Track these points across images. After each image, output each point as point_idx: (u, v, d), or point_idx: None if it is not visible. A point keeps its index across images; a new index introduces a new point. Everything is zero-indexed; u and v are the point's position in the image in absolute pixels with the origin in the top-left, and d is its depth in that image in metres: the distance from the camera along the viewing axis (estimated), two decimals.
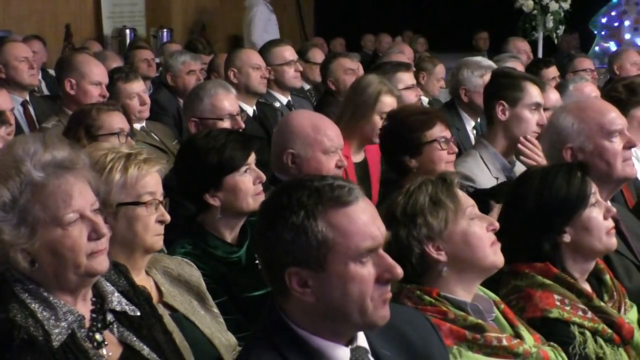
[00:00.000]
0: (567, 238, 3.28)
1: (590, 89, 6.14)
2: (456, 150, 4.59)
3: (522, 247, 3.28)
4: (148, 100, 6.31)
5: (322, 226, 2.28)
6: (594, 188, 3.33)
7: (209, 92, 5.16)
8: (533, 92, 4.88)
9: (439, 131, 4.45)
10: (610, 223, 3.34)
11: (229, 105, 5.14)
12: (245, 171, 3.71)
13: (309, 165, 4.20)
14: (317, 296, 2.30)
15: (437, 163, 4.41)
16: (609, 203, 3.51)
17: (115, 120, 4.63)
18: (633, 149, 4.03)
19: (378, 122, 5.24)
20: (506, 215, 3.40)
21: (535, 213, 3.28)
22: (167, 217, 3.13)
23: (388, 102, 5.35)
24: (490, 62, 6.91)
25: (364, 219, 2.32)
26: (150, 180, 3.07)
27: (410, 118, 4.51)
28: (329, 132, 4.27)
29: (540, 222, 3.28)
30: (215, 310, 3.30)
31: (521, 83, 4.89)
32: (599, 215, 3.31)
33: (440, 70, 8.52)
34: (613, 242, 3.36)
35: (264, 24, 13.27)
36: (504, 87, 4.90)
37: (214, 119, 5.07)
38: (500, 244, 3.03)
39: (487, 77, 6.30)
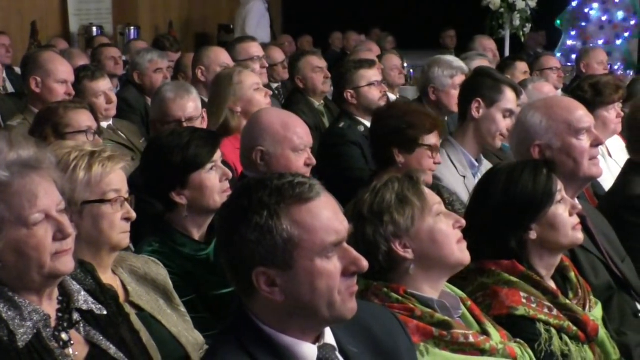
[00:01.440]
0: (533, 235, 3.30)
1: (549, 89, 6.17)
2: (440, 161, 4.62)
3: (489, 244, 3.30)
4: (114, 99, 6.29)
5: (286, 224, 2.28)
6: (559, 185, 3.35)
7: (166, 96, 5.13)
8: (510, 98, 4.93)
9: (435, 139, 4.51)
10: (575, 219, 3.36)
11: (188, 108, 5.08)
12: (211, 168, 3.69)
13: (278, 162, 4.19)
14: (286, 294, 2.30)
15: (423, 167, 4.44)
16: (576, 200, 3.53)
17: (83, 119, 4.60)
18: (600, 147, 4.06)
19: (254, 95, 5.43)
20: (472, 211, 3.42)
21: (501, 210, 3.30)
22: (133, 215, 3.11)
23: (247, 78, 5.54)
24: (461, 64, 6.92)
25: (327, 214, 2.32)
26: (115, 177, 3.05)
27: (415, 115, 4.55)
28: (299, 130, 4.27)
29: (506, 220, 3.29)
30: (182, 309, 3.29)
31: (501, 86, 4.94)
32: (564, 212, 3.33)
33: (391, 59, 8.48)
34: (579, 236, 3.38)
35: (257, 21, 13.28)
36: (484, 86, 4.94)
37: (170, 122, 5.02)
38: (467, 241, 3.04)
39: (458, 79, 6.36)
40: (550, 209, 3.31)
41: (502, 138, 4.93)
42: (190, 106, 5.12)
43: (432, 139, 4.50)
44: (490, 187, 3.38)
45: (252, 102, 5.43)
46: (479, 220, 3.32)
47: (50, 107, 4.72)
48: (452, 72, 6.55)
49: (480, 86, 4.96)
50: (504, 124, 4.89)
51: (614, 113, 5.65)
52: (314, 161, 4.28)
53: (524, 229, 3.30)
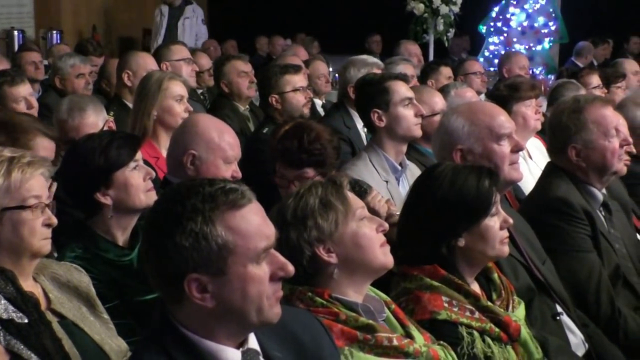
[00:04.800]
0: (461, 242, 3.32)
1: (471, 94, 6.27)
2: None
3: (418, 247, 3.32)
4: (35, 104, 6.20)
5: (221, 230, 2.28)
6: (497, 197, 3.38)
7: (59, 116, 5.08)
8: (399, 89, 5.01)
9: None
10: (505, 233, 3.40)
11: (84, 127, 4.99)
12: (135, 167, 3.68)
13: (207, 169, 4.17)
14: (217, 300, 2.30)
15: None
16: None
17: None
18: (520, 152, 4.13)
19: (174, 106, 5.38)
20: (408, 210, 3.43)
21: (438, 212, 3.32)
22: (54, 220, 3.07)
23: (174, 87, 5.50)
24: (375, 60, 7.05)
25: (258, 220, 2.35)
26: (35, 183, 3.01)
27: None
28: (232, 141, 4.27)
29: (440, 223, 3.31)
30: (105, 316, 3.25)
31: (384, 85, 5.01)
32: (496, 224, 3.36)
33: (318, 67, 8.50)
34: (505, 250, 3.42)
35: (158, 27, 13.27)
36: (370, 95, 5.02)
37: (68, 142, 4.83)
38: (393, 246, 3.06)
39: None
40: (484, 220, 3.34)
41: (418, 124, 4.99)
42: (87, 124, 5.05)
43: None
44: (431, 187, 3.39)
45: (171, 112, 5.41)
46: (412, 222, 3.35)
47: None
48: (368, 68, 6.72)
49: (367, 97, 5.05)
50: (410, 112, 4.97)
51: (532, 109, 5.79)
52: (239, 175, 4.27)
53: (456, 235, 3.32)
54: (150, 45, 13.43)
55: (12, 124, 4.43)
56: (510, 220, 3.43)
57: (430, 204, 3.35)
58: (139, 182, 3.67)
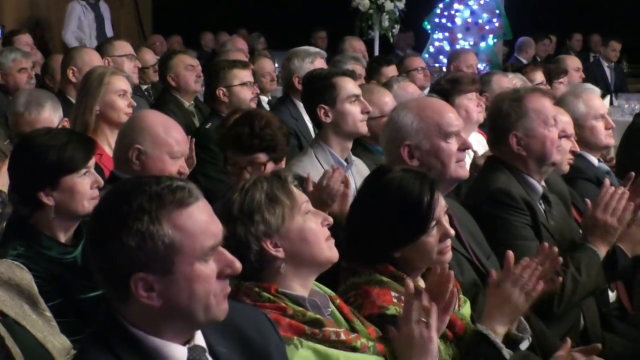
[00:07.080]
0: (397, 254, 3.31)
1: (413, 88, 6.32)
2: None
3: (359, 254, 3.31)
4: None
5: (167, 229, 2.26)
6: (437, 212, 3.31)
7: (16, 110, 5.07)
8: (346, 86, 5.03)
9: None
10: (445, 243, 3.35)
11: (40, 123, 4.96)
12: (85, 174, 3.64)
13: (154, 164, 4.17)
14: (164, 299, 2.28)
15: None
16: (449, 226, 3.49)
17: None
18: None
19: (116, 100, 5.39)
20: (351, 217, 3.42)
21: (374, 229, 3.30)
22: None
23: (116, 82, 5.48)
24: (317, 49, 7.13)
25: (205, 218, 2.33)
26: None
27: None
28: (179, 137, 4.27)
29: (376, 239, 3.29)
30: (48, 313, 3.22)
31: (331, 80, 5.03)
32: (434, 239, 3.31)
33: (264, 65, 8.47)
34: (446, 259, 3.37)
35: (75, 23, 12.94)
36: (317, 90, 5.03)
37: None
38: (340, 239, 3.06)
39: (317, 63, 6.57)
40: (420, 238, 3.31)
41: (364, 120, 5.01)
42: (42, 120, 5.01)
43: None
44: (373, 199, 3.36)
45: (113, 107, 5.40)
46: (356, 226, 3.35)
47: None
48: (311, 58, 6.79)
49: (314, 92, 5.06)
50: (357, 109, 4.99)
51: (473, 102, 5.88)
52: (186, 171, 4.27)
53: (393, 249, 3.31)
54: (64, 37, 13.04)
55: None
56: (452, 233, 3.38)
57: (370, 216, 3.33)
58: (85, 190, 3.64)
